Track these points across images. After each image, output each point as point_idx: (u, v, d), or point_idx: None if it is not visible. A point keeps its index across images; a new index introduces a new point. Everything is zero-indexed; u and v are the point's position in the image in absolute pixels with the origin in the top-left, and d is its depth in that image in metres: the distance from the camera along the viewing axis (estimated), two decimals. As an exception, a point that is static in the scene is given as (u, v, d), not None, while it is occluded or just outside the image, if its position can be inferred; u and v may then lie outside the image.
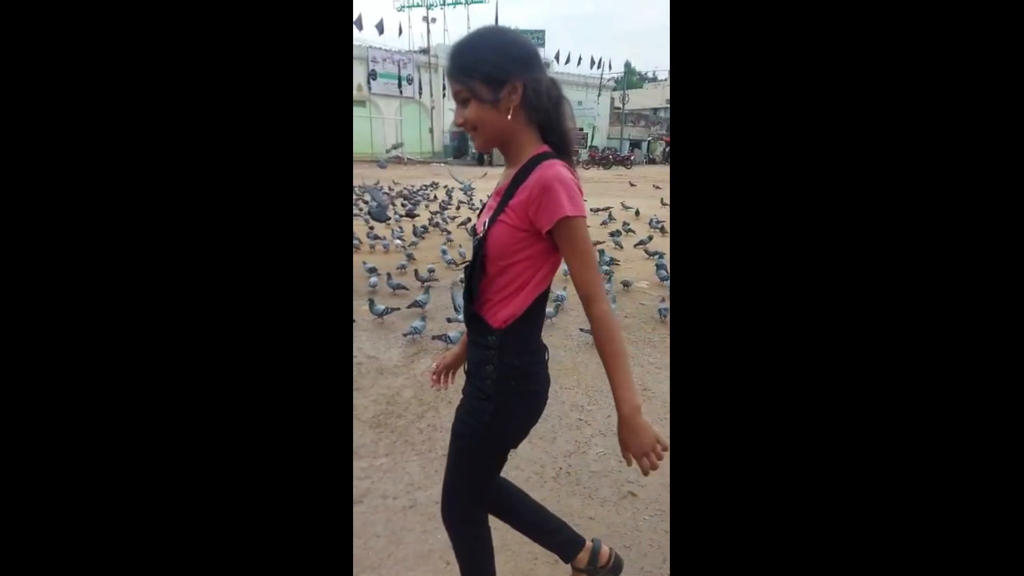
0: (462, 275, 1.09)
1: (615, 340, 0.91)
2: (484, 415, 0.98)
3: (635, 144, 33.43)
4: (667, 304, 3.69)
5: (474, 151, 23.77)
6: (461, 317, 0.99)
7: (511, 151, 0.96)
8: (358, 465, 1.96)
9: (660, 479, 1.84)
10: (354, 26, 25.14)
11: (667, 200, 9.00)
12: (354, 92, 24.40)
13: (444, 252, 5.15)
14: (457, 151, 25.52)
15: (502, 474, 1.18)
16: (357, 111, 24.62)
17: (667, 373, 2.81)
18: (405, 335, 3.19)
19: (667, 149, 29.93)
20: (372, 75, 25.48)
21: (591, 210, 8.08)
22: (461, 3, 28.67)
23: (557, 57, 30.64)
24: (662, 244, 5.80)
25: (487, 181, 10.26)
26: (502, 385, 0.97)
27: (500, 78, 0.89)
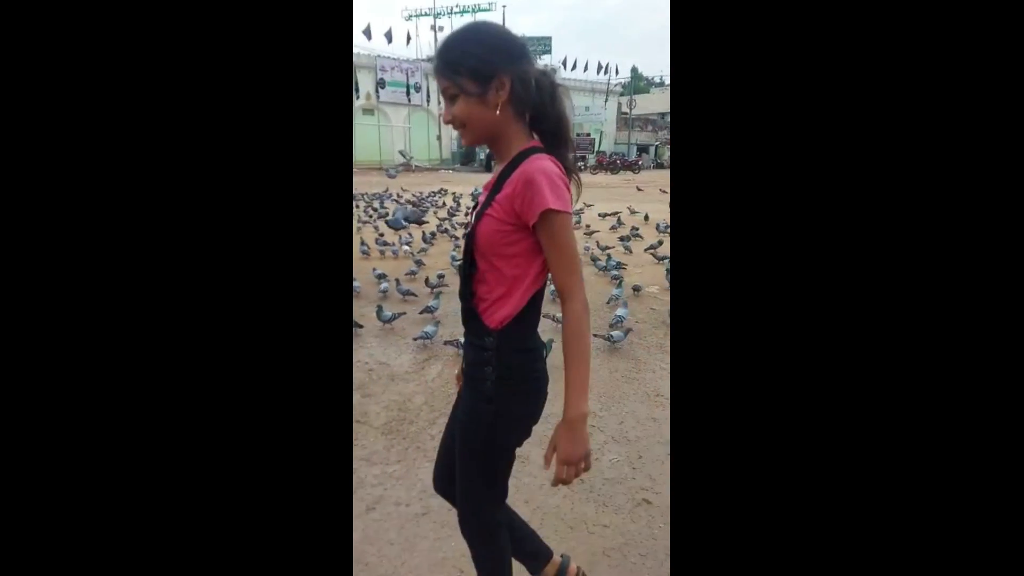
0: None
1: (581, 342, 0.90)
2: (486, 416, 0.97)
3: (643, 149, 33.40)
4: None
5: (482, 158, 23.91)
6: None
7: (500, 147, 0.96)
8: (370, 472, 1.96)
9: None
10: (363, 35, 25.55)
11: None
12: (363, 101, 24.69)
13: (453, 258, 5.16)
14: (465, 158, 25.66)
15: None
16: (366, 119, 24.89)
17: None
18: (415, 339, 3.19)
19: (675, 154, 29.79)
20: (381, 84, 25.75)
21: (599, 215, 8.07)
22: (468, 11, 28.92)
23: (564, 63, 30.84)
24: (672, 248, 5.77)
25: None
26: (501, 385, 0.96)
27: (487, 72, 0.88)
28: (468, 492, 1.08)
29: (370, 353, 3.10)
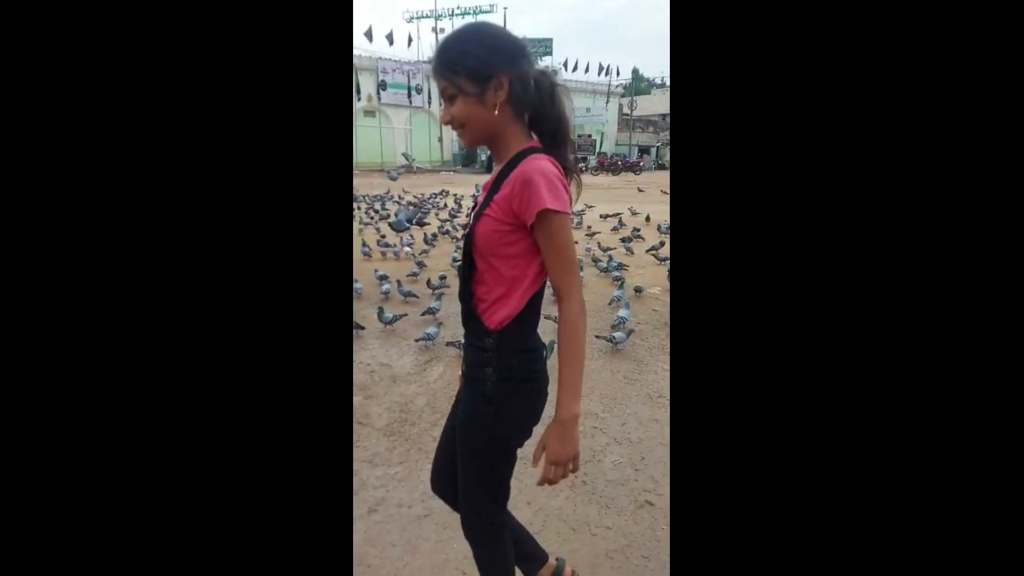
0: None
1: (576, 343, 0.90)
2: (487, 418, 0.97)
3: (644, 150, 33.40)
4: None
5: (483, 159, 23.93)
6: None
7: (499, 147, 0.95)
8: (373, 473, 1.96)
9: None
10: (364, 37, 25.63)
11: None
12: (364, 102, 24.72)
13: (454, 259, 5.16)
14: (466, 159, 25.69)
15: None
16: (367, 121, 24.92)
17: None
18: (417, 340, 3.19)
19: (676, 154, 29.80)
20: (382, 85, 25.80)
21: (601, 216, 8.06)
22: (469, 13, 28.97)
23: (565, 65, 30.84)
24: (674, 250, 5.76)
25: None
26: (502, 386, 0.96)
27: (485, 73, 0.88)
28: (469, 493, 1.07)
29: (372, 355, 3.10)
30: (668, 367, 2.99)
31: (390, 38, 26.52)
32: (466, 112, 0.90)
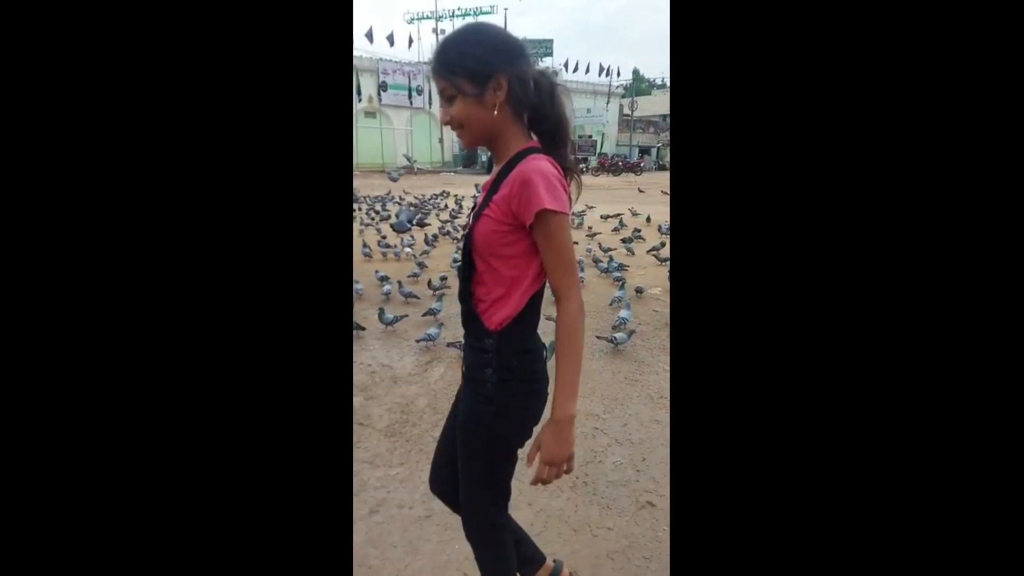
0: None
1: (573, 343, 0.90)
2: (487, 419, 0.97)
3: (644, 150, 33.39)
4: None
5: (484, 160, 23.93)
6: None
7: (498, 147, 0.95)
8: (374, 474, 1.96)
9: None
10: (365, 38, 25.67)
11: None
12: (365, 103, 24.73)
13: (455, 260, 5.16)
14: (467, 160, 25.69)
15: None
16: (368, 122, 24.94)
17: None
18: (418, 341, 3.19)
19: (677, 155, 29.80)
20: (383, 87, 25.82)
21: (601, 217, 8.06)
22: (470, 14, 28.99)
23: (566, 65, 30.82)
24: (674, 250, 5.76)
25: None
26: (502, 387, 0.96)
27: (484, 73, 0.88)
28: (471, 494, 1.07)
29: (373, 356, 3.10)
30: (668, 368, 2.99)
31: (391, 39, 26.55)
32: (465, 112, 0.90)
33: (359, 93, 24.15)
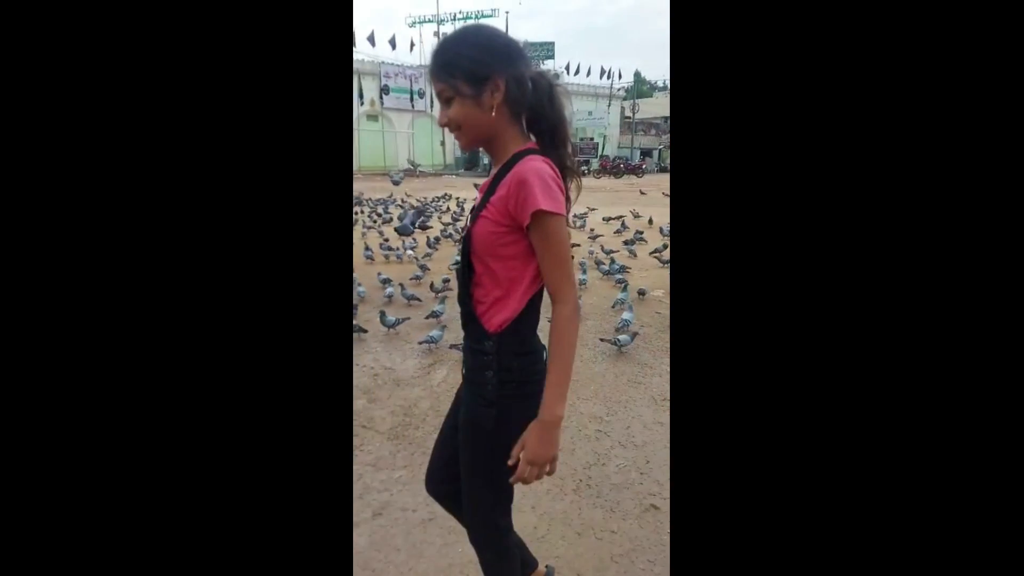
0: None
1: (566, 345, 0.90)
2: (488, 421, 0.97)
3: (646, 153, 33.41)
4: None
5: (485, 162, 23.95)
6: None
7: (496, 149, 0.95)
8: (376, 477, 1.95)
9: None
10: (367, 42, 25.78)
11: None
12: (367, 107, 24.81)
13: (456, 263, 5.15)
14: (468, 163, 25.73)
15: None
16: (370, 125, 25.02)
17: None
18: (420, 344, 3.19)
19: (678, 157, 29.85)
20: (385, 90, 25.92)
21: (603, 219, 8.06)
22: (471, 17, 29.08)
23: (568, 68, 30.90)
24: (677, 252, 5.76)
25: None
26: (502, 390, 0.95)
27: (482, 74, 0.88)
28: (473, 497, 1.07)
29: (375, 358, 3.10)
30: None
31: (392, 43, 26.68)
32: (462, 114, 0.90)
33: (361, 96, 24.25)
